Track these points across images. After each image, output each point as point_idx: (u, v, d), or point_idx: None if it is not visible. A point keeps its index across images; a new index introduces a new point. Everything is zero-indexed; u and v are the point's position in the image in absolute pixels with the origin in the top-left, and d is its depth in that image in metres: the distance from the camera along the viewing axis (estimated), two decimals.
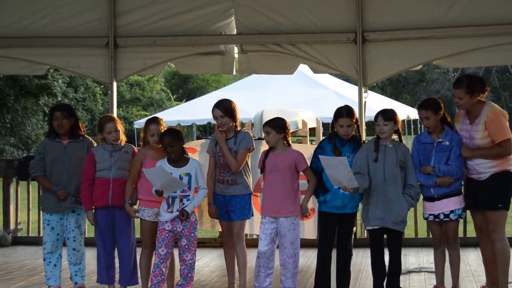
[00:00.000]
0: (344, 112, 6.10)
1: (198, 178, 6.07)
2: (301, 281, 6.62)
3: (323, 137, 7.11)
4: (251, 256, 6.69)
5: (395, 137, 6.04)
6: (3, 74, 19.42)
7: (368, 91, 8.98)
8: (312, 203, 6.98)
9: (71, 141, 6.55)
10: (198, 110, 20.66)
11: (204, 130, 33.48)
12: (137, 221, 6.60)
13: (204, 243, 8.87)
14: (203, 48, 9.17)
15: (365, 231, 7.25)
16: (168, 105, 34.57)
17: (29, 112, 27.60)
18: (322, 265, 6.16)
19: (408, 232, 8.82)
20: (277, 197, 6.08)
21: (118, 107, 22.18)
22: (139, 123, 22.83)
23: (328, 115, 7.57)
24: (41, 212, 7.89)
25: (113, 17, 9.09)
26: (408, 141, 14.18)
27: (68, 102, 27.33)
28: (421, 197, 6.07)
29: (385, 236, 6.01)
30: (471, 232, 7.39)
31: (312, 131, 11.74)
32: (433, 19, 8.50)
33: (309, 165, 6.18)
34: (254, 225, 7.16)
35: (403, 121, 22.08)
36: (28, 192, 9.46)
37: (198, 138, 24.17)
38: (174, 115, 21.52)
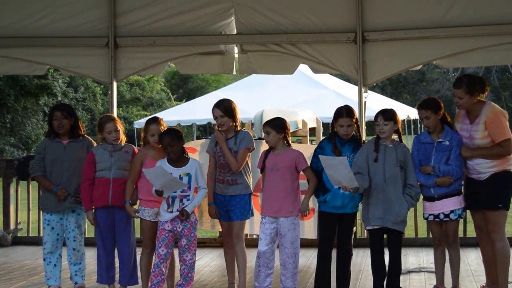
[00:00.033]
0: (344, 112, 6.10)
1: (198, 178, 6.07)
2: (301, 281, 6.62)
3: (323, 137, 7.12)
4: (251, 256, 6.69)
5: (395, 137, 6.04)
6: (3, 74, 19.43)
7: (368, 91, 8.98)
8: (312, 203, 6.97)
9: (71, 141, 6.55)
10: (198, 110, 20.66)
11: (204, 130, 33.48)
12: (137, 221, 6.61)
13: (204, 243, 8.88)
14: (203, 48, 9.17)
15: (365, 231, 7.25)
16: (168, 105, 34.57)
17: (29, 112, 27.61)
18: (322, 265, 6.16)
19: (408, 232, 8.82)
20: (277, 197, 6.08)
21: (118, 107, 22.19)
22: (139, 123, 22.82)
23: (328, 115, 7.57)
24: (41, 212, 7.90)
25: (113, 17, 9.09)
26: (408, 141, 14.18)
27: (68, 102, 27.34)
28: (421, 197, 6.07)
29: (385, 236, 6.01)
30: (471, 232, 7.39)
31: (312, 131, 11.74)
32: (433, 19, 8.50)
33: (309, 165, 6.18)
34: (254, 225, 7.16)
35: (403, 121, 22.08)
36: (28, 192, 9.46)
37: (198, 138, 24.18)
38: (174, 115, 21.51)
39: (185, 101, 32.05)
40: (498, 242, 5.90)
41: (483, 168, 5.92)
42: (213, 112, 6.28)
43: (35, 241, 8.95)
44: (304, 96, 18.92)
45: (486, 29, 8.29)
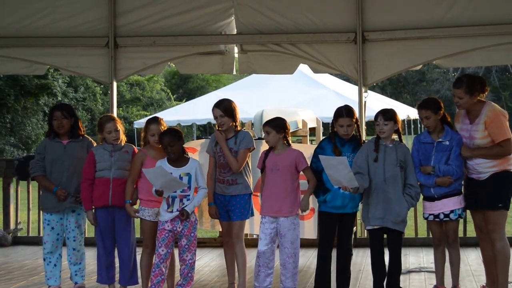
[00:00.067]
0: (344, 112, 6.10)
1: (198, 178, 6.07)
2: (301, 281, 6.62)
3: (323, 137, 7.12)
4: (251, 256, 6.69)
5: (395, 137, 6.04)
6: (3, 74, 19.43)
7: (368, 91, 8.98)
8: (312, 203, 6.97)
9: (71, 141, 6.55)
10: (198, 110, 20.66)
11: (204, 130, 33.48)
12: (137, 221, 6.61)
13: (204, 243, 8.88)
14: (203, 48, 9.17)
15: (365, 231, 7.25)
16: (168, 105, 34.57)
17: (29, 112, 27.61)
18: (322, 265, 6.16)
19: (408, 232, 8.82)
20: (277, 197, 6.08)
21: (118, 107, 22.19)
22: (139, 123, 22.82)
23: (328, 115, 7.57)
24: (41, 212, 7.90)
25: (113, 17, 9.09)
26: (408, 141, 14.18)
27: (68, 102, 27.34)
28: (421, 197, 6.07)
29: (385, 236, 6.01)
30: (471, 232, 7.39)
31: (312, 131, 11.74)
32: (433, 19, 8.50)
33: (309, 164, 6.18)
34: (254, 225, 7.16)
35: (403, 121, 22.09)
36: (28, 192, 9.46)
37: (198, 138, 24.18)
38: (174, 115, 21.51)
39: (185, 101, 32.04)
40: (498, 242, 5.90)
41: (483, 168, 5.92)
42: (213, 112, 6.28)
43: (35, 241, 8.95)
44: (304, 96, 18.92)
45: (486, 29, 8.29)
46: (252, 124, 10.31)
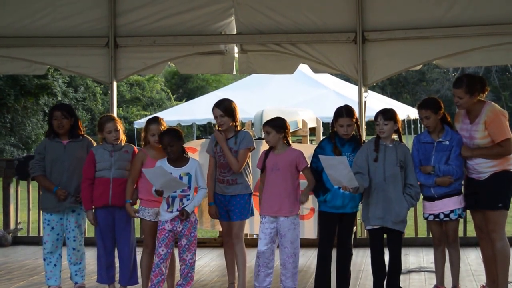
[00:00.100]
0: (344, 111, 6.10)
1: (198, 178, 6.07)
2: (301, 281, 6.62)
3: (323, 137, 7.11)
4: (251, 256, 6.69)
5: (395, 136, 6.04)
6: (3, 73, 19.43)
7: (368, 91, 8.98)
8: (312, 203, 6.98)
9: (71, 141, 6.55)
10: (198, 110, 20.66)
11: (204, 130, 33.47)
12: (137, 221, 6.61)
13: (204, 243, 8.88)
14: (203, 47, 9.17)
15: (365, 230, 7.25)
16: (168, 105, 34.56)
17: (29, 112, 27.60)
18: (322, 264, 6.16)
19: (408, 232, 8.82)
20: (278, 197, 6.08)
21: (118, 106, 22.17)
22: (139, 123, 22.82)
23: (328, 114, 7.57)
24: (41, 212, 7.90)
25: (113, 16, 9.09)
26: (408, 140, 14.18)
27: (68, 102, 27.34)
28: (421, 196, 6.07)
29: (385, 235, 6.01)
30: (471, 231, 7.39)
31: (312, 130, 11.74)
32: (433, 18, 8.50)
33: (309, 164, 6.18)
34: (254, 225, 7.15)
35: (403, 120, 22.09)
36: (28, 192, 9.46)
37: (198, 137, 24.16)
38: (174, 115, 21.51)
39: (185, 101, 32.03)
40: (498, 242, 5.90)
41: (483, 168, 5.92)
42: (213, 112, 6.28)
43: (35, 241, 8.95)
44: (304, 96, 18.92)
45: (486, 29, 8.29)
46: (252, 124, 10.31)
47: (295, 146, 6.44)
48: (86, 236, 6.87)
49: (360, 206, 6.27)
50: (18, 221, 9.62)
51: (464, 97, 5.91)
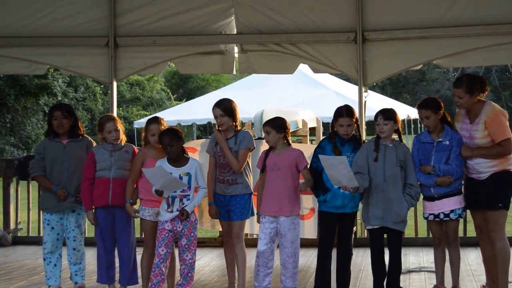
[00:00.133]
0: (344, 111, 6.10)
1: (198, 178, 6.07)
2: (301, 280, 6.62)
3: (323, 137, 7.11)
4: (251, 256, 6.69)
5: (395, 136, 6.04)
6: (3, 73, 19.43)
7: (368, 91, 8.98)
8: (312, 203, 6.98)
9: (71, 140, 6.55)
10: (198, 110, 20.66)
11: (204, 130, 33.47)
12: (137, 221, 6.60)
13: (204, 243, 8.87)
14: (203, 47, 9.17)
15: (365, 230, 7.25)
16: (168, 104, 34.56)
17: (29, 111, 27.61)
18: (322, 264, 6.15)
19: (408, 232, 8.82)
20: (278, 197, 6.08)
21: (118, 106, 22.19)
22: (139, 123, 22.83)
23: (328, 114, 7.57)
24: (41, 211, 7.89)
25: (113, 16, 9.09)
26: (408, 140, 14.18)
27: (68, 102, 27.35)
28: (421, 196, 6.07)
29: (385, 235, 6.01)
30: (471, 231, 7.39)
31: (312, 130, 11.74)
32: (433, 18, 8.50)
33: (309, 164, 6.18)
34: (254, 225, 7.15)
35: (403, 120, 22.08)
36: (28, 191, 9.46)
37: (198, 137, 24.18)
38: (174, 114, 21.51)
39: (185, 101, 32.04)
40: (498, 242, 5.89)
41: (483, 167, 5.92)
42: (213, 111, 6.28)
43: (35, 241, 8.95)
44: (304, 96, 18.92)
45: (486, 29, 8.29)
46: (252, 124, 10.31)
47: (295, 146, 6.44)
48: (86, 236, 6.87)
49: (360, 206, 6.27)
50: (18, 221, 9.62)
51: (464, 97, 5.90)
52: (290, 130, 6.36)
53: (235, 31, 9.11)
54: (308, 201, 7.04)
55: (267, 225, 6.13)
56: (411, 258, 7.93)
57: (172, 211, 6.00)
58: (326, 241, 6.17)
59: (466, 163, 6.00)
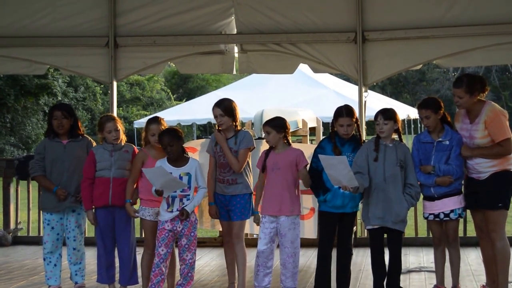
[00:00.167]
0: (344, 111, 6.10)
1: (197, 178, 6.07)
2: (301, 280, 6.62)
3: (323, 137, 7.11)
4: (251, 256, 6.69)
5: (395, 136, 6.04)
6: (3, 73, 19.43)
7: (368, 91, 8.98)
8: (312, 203, 6.98)
9: (71, 140, 6.55)
10: (198, 110, 20.66)
11: (204, 130, 33.47)
12: (137, 221, 6.61)
13: (204, 243, 8.87)
14: (203, 47, 9.17)
15: (365, 230, 7.25)
16: (168, 104, 34.56)
17: (29, 111, 27.60)
18: (322, 264, 6.15)
19: (408, 232, 8.82)
20: (278, 197, 6.08)
21: (118, 106, 22.18)
22: (139, 123, 22.82)
23: (328, 114, 7.57)
24: (41, 211, 7.89)
25: (113, 16, 9.09)
26: (408, 140, 14.18)
27: (68, 102, 27.35)
28: (421, 196, 6.07)
29: (385, 235, 6.01)
30: (471, 231, 7.39)
31: (312, 130, 11.74)
32: (433, 18, 8.50)
33: (309, 164, 6.18)
34: (254, 225, 7.13)
35: (403, 120, 22.08)
36: (28, 191, 9.46)
37: (198, 137, 24.18)
38: (174, 114, 21.51)
39: (185, 101, 32.03)
40: (498, 242, 5.89)
41: (483, 167, 5.92)
42: (213, 111, 6.28)
43: (35, 241, 8.94)
44: (304, 96, 18.92)
45: (486, 29, 8.29)
46: (252, 123, 10.31)
47: (295, 146, 6.44)
48: (86, 236, 6.87)
49: (360, 206, 6.27)
50: (18, 221, 9.62)
51: (464, 96, 5.90)
52: (290, 130, 6.36)
53: (235, 31, 9.11)
54: (308, 201, 7.04)
55: (267, 225, 6.13)
56: (411, 258, 7.93)
57: (172, 211, 6.00)
58: (326, 241, 6.17)
59: (466, 163, 6.00)
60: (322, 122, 11.89)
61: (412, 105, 28.78)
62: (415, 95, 48.25)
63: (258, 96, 18.65)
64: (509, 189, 5.97)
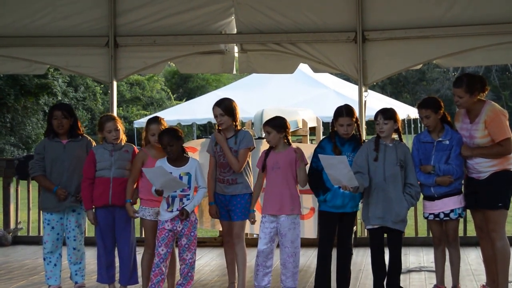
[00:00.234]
0: (344, 111, 6.09)
1: (197, 177, 6.07)
2: (301, 280, 6.62)
3: (323, 137, 7.11)
4: (251, 256, 6.69)
5: (395, 136, 6.04)
6: (3, 73, 19.44)
7: (368, 90, 8.98)
8: (312, 203, 6.98)
9: (71, 140, 6.55)
10: (198, 110, 20.66)
11: (204, 130, 33.46)
12: (137, 221, 6.60)
13: (204, 243, 8.88)
14: (203, 47, 9.17)
15: (365, 230, 7.25)
16: (168, 104, 34.55)
17: (29, 111, 27.60)
18: (322, 264, 6.15)
19: (408, 231, 8.82)
20: (278, 196, 6.08)
21: (118, 106, 22.19)
22: (139, 123, 22.82)
23: (328, 114, 7.57)
24: (41, 211, 7.89)
25: (113, 16, 9.09)
26: (408, 140, 14.18)
27: (68, 102, 27.37)
28: (421, 196, 6.07)
29: (385, 235, 6.01)
30: (471, 231, 7.39)
31: (312, 130, 11.73)
32: (433, 18, 8.50)
33: (309, 164, 6.18)
34: (254, 224, 7.14)
35: (403, 120, 22.08)
36: (28, 191, 9.46)
37: (198, 137, 24.14)
38: (174, 114, 21.50)
39: (185, 101, 32.02)
40: (498, 241, 5.89)
41: (483, 167, 5.92)
42: (213, 111, 6.28)
43: (35, 241, 8.94)
44: (304, 96, 18.91)
45: (486, 28, 8.29)
46: (252, 123, 10.31)
47: (295, 145, 6.43)
48: (86, 235, 6.87)
49: (360, 205, 6.27)
50: (18, 221, 9.62)
51: (464, 96, 5.90)
52: (290, 130, 6.36)
53: (235, 31, 9.11)
54: (308, 201, 7.04)
55: (267, 224, 6.13)
56: (411, 257, 7.93)
57: (172, 211, 6.00)
58: (326, 241, 6.17)
59: (466, 163, 6.00)
60: (322, 122, 11.89)
61: (412, 104, 28.78)
62: (415, 94, 48.25)
63: (258, 96, 18.64)
64: (509, 188, 5.97)
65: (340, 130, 6.09)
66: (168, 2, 9.05)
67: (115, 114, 8.55)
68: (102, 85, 30.95)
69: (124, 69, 9.24)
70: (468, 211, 6.22)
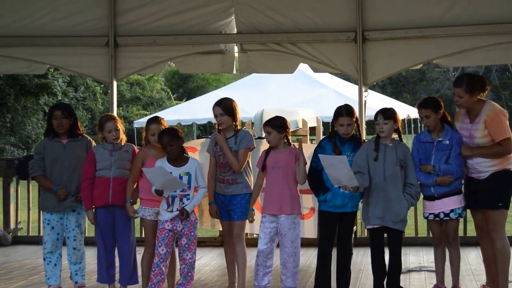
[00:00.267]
0: (344, 111, 6.10)
1: (197, 177, 6.07)
2: (301, 280, 6.62)
3: (323, 136, 7.11)
4: (251, 256, 6.69)
5: (395, 136, 6.04)
6: (3, 73, 19.44)
7: (368, 90, 8.98)
8: (312, 202, 6.98)
9: (70, 140, 6.55)
10: (198, 109, 20.65)
11: (204, 130, 33.46)
12: (137, 221, 6.60)
13: (204, 242, 8.87)
14: (203, 47, 9.17)
15: (366, 230, 7.25)
16: (168, 104, 34.55)
17: (29, 111, 27.60)
18: (322, 264, 6.15)
19: (409, 231, 8.82)
20: (278, 195, 6.08)
21: (118, 106, 22.19)
22: (139, 123, 22.81)
23: (328, 114, 7.57)
24: (41, 211, 7.89)
25: (113, 16, 9.09)
26: (408, 140, 14.18)
27: (68, 102, 27.37)
28: (421, 196, 6.07)
29: (385, 235, 6.01)
30: (471, 231, 7.39)
31: (312, 130, 11.74)
32: (433, 18, 8.50)
33: (309, 164, 6.18)
34: (254, 224, 7.14)
35: (403, 120, 22.08)
36: (28, 191, 9.45)
37: (198, 137, 24.13)
38: (174, 114, 21.50)
39: (185, 101, 32.01)
40: (498, 241, 5.89)
41: (483, 167, 5.92)
42: (213, 110, 6.28)
43: (35, 241, 8.94)
44: (304, 95, 18.91)
45: (486, 28, 8.29)
46: (252, 123, 10.31)
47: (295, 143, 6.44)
48: (86, 235, 6.87)
49: (360, 205, 6.27)
50: (18, 221, 9.62)
51: (464, 96, 5.90)
52: (290, 130, 6.36)
53: (235, 31, 9.11)
54: (308, 201, 7.03)
55: (267, 224, 6.13)
56: (411, 257, 7.93)
57: (172, 211, 6.00)
58: (326, 241, 6.17)
59: (466, 163, 6.00)
60: (322, 122, 11.89)
61: (412, 104, 28.77)
62: (415, 94, 48.24)
63: (258, 96, 18.64)
64: (509, 188, 5.97)
65: (340, 130, 6.09)
66: (168, 2, 9.05)
67: (115, 114, 8.55)
68: (102, 85, 30.95)
69: (124, 69, 9.24)
70: (468, 211, 6.23)
